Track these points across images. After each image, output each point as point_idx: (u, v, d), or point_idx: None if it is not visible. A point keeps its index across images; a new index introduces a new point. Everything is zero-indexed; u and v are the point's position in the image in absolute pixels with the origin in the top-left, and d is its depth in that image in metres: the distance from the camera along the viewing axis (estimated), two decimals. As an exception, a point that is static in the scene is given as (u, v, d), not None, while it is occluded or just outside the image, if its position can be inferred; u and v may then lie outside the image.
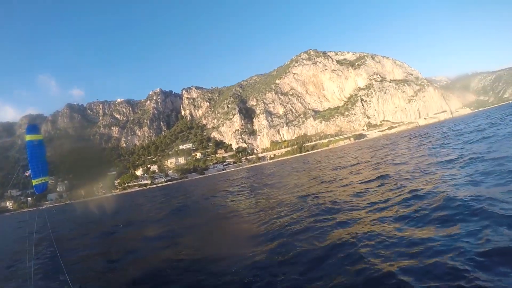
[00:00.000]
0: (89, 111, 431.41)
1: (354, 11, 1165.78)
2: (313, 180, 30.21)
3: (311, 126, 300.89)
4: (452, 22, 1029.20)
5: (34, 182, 11.72)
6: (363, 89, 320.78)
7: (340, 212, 14.79)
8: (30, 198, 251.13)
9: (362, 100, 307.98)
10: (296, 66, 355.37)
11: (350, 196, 17.93)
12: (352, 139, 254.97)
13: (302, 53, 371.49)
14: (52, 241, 16.73)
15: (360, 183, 20.96)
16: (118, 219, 37.15)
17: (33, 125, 11.72)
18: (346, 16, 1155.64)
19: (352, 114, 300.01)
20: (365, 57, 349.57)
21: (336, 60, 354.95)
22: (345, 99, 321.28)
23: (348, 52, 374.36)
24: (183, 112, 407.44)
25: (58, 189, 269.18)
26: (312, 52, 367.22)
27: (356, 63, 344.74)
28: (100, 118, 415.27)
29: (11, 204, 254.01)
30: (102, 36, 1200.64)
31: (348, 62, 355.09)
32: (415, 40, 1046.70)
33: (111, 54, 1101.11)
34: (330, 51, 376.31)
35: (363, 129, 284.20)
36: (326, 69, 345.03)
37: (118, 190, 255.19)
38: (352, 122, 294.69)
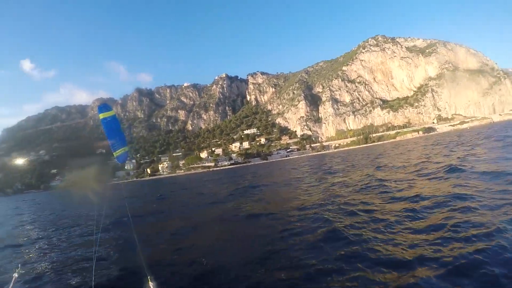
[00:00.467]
0: (157, 95, 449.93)
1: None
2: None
3: (378, 116, 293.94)
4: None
5: (115, 153, 12.20)
6: (434, 78, 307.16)
7: None
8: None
9: (432, 90, 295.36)
10: (363, 53, 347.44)
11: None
12: (421, 132, 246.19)
13: (370, 39, 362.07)
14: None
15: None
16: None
17: (104, 104, 11.70)
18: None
19: (421, 105, 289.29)
20: (436, 44, 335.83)
21: (405, 47, 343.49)
22: (415, 89, 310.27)
23: (418, 39, 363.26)
24: (248, 97, 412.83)
25: (126, 167, 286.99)
26: (380, 38, 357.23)
27: (427, 51, 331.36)
28: (168, 102, 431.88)
29: None
30: (170, 22, 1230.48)
31: (418, 49, 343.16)
32: (490, 27, 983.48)
33: (178, 40, 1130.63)
34: (399, 37, 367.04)
35: (433, 122, 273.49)
36: (394, 56, 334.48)
37: (183, 171, 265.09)
38: (422, 114, 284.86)
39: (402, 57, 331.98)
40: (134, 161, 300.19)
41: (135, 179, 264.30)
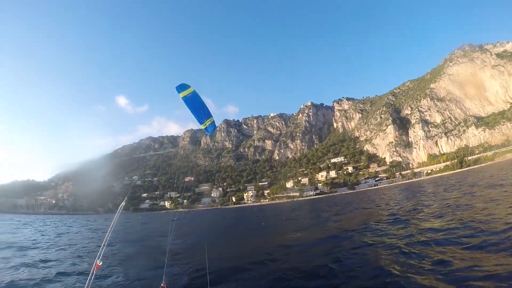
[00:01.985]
0: (244, 126, 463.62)
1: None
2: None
3: (473, 136, 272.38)
4: None
5: (203, 125, 13.31)
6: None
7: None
8: (185, 200, 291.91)
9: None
10: (451, 66, 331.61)
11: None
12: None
13: (456, 50, 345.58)
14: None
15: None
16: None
17: (181, 84, 12.67)
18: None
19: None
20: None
21: (495, 53, 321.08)
22: (511, 100, 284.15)
23: (508, 42, 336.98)
24: (335, 125, 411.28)
25: (212, 195, 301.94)
26: (467, 48, 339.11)
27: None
28: (255, 132, 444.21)
29: (169, 203, 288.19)
30: (254, 54, 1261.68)
31: (509, 54, 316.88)
32: None
33: (263, 71, 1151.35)
34: (487, 44, 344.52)
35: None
36: (485, 65, 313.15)
37: (267, 200, 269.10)
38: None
39: (493, 65, 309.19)
40: (220, 189, 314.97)
41: (219, 206, 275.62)
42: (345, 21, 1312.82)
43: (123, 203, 9.79)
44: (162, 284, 10.07)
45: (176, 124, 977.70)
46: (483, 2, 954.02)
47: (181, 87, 12.49)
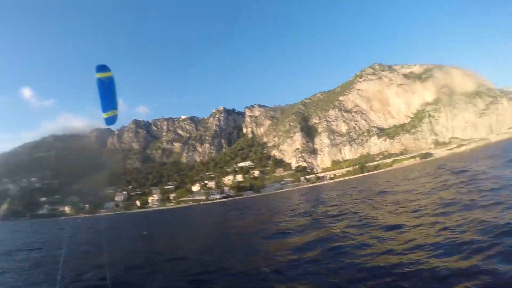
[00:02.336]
0: (154, 127, 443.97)
1: (418, 21, 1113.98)
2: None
3: (375, 145, 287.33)
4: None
5: (105, 115, 12.39)
6: (431, 104, 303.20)
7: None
8: (87, 205, 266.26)
9: (429, 116, 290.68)
10: (360, 82, 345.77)
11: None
12: (418, 158, 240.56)
13: (367, 68, 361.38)
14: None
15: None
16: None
17: (102, 65, 11.67)
18: (412, 26, 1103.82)
19: (418, 131, 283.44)
20: (433, 68, 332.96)
21: (402, 74, 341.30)
22: (412, 115, 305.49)
23: (415, 65, 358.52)
24: (244, 130, 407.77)
25: (116, 199, 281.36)
26: (377, 67, 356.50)
27: (423, 76, 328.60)
28: (164, 134, 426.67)
29: (69, 209, 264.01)
30: (168, 56, 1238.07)
31: (415, 75, 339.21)
32: (484, 47, 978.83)
33: (176, 73, 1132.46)
34: (396, 65, 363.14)
35: (430, 148, 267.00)
36: (391, 83, 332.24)
37: (173, 204, 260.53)
38: (418, 140, 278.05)
39: (399, 84, 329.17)
40: (125, 192, 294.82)
41: (123, 211, 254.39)
42: (265, 32, 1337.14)
43: (5, 208, 7.02)
44: None
45: (83, 121, 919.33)
46: (397, 27, 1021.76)
47: (101, 68, 11.87)
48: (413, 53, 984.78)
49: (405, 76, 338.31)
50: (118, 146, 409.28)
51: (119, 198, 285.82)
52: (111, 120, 12.89)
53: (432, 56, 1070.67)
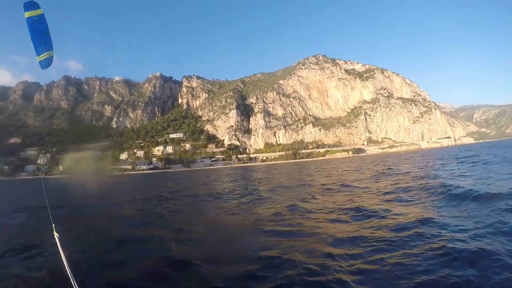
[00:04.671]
0: (85, 86, 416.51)
1: (369, 22, 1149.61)
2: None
3: (310, 133, 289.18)
4: (462, 52, 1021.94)
5: (39, 58, 11.14)
6: (369, 102, 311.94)
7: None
8: (7, 167, 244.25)
9: (366, 113, 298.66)
10: (302, 69, 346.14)
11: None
12: (350, 152, 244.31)
13: (311, 57, 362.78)
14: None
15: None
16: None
17: (30, 1, 10.48)
18: (360, 26, 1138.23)
19: (353, 126, 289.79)
20: (375, 70, 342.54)
21: (344, 69, 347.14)
22: (349, 110, 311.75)
23: (358, 63, 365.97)
24: (180, 100, 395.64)
25: (38, 161, 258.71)
26: (321, 57, 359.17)
27: (365, 75, 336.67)
28: (95, 95, 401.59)
29: None
30: (110, 7, 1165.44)
31: (356, 72, 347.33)
32: (424, 62, 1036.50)
33: (115, 27, 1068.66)
34: (339, 59, 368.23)
35: (363, 144, 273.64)
36: (333, 76, 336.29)
37: None
38: (353, 135, 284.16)
39: (340, 78, 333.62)
40: (48, 155, 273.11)
41: (43, 176, 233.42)
42: (214, 3, 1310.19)
43: None
44: None
45: (9, 72, 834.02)
46: (345, 23, 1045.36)
47: (30, 5, 10.75)
48: (357, 52, 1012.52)
49: (347, 71, 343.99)
50: (45, 103, 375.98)
51: (41, 160, 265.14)
52: (46, 63, 11.30)
53: (374, 58, 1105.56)
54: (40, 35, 11.04)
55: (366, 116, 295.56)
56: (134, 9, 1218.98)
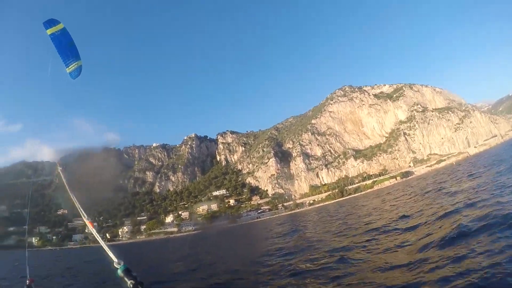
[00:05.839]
0: (125, 155, 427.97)
1: (387, 41, 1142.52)
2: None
3: (352, 167, 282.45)
4: (483, 46, 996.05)
5: (68, 69, 11.78)
6: (405, 122, 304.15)
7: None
8: (55, 237, 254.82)
9: (405, 134, 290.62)
10: (332, 104, 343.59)
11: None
12: (398, 177, 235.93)
13: (337, 90, 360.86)
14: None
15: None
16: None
17: (49, 19, 11.00)
18: (379, 48, 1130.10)
19: (395, 150, 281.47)
20: (403, 87, 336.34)
21: (373, 94, 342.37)
22: (387, 135, 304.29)
23: (385, 85, 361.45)
24: (218, 158, 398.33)
25: (86, 231, 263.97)
26: (347, 88, 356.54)
27: (394, 95, 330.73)
28: (136, 163, 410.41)
29: (36, 240, 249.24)
30: (139, 82, 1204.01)
31: (385, 95, 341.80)
32: (450, 66, 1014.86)
33: (147, 99, 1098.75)
34: (366, 86, 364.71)
35: (410, 166, 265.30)
36: (363, 104, 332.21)
37: (144, 236, 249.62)
38: (397, 159, 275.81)
39: (370, 104, 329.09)
40: (96, 224, 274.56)
41: (91, 244, 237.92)
42: (233, 54, 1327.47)
43: None
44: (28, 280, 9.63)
45: (52, 149, 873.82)
46: (364, 50, 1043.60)
47: (50, 23, 11.28)
48: (381, 74, 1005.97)
49: (376, 96, 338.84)
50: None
51: (89, 229, 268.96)
52: (76, 72, 12.09)
53: (401, 76, 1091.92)
54: (66, 48, 11.53)
55: (406, 136, 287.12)
56: (157, 83, 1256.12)
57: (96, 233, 6.48)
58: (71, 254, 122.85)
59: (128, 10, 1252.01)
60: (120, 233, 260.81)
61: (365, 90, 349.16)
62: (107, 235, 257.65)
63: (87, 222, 6.77)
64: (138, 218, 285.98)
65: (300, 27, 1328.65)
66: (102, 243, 6.22)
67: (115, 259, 5.58)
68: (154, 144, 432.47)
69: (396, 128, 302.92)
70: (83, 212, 7.08)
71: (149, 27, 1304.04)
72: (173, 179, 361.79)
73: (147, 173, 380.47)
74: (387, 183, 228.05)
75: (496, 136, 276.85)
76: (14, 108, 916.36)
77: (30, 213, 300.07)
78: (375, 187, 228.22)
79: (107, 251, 5.77)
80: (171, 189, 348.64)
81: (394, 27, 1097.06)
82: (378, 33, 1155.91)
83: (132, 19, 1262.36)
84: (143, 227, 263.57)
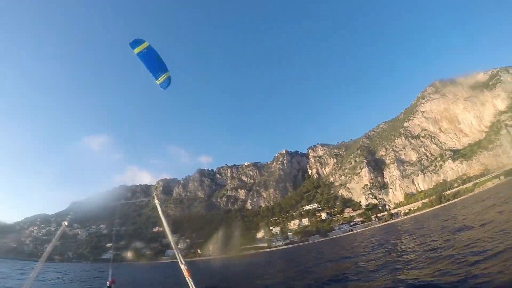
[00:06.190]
0: (218, 175, 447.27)
1: (470, 22, 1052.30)
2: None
3: (451, 170, 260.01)
4: None
5: (158, 81, 12.85)
6: (505, 111, 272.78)
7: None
8: (149, 252, 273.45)
9: (506, 126, 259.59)
10: (423, 104, 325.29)
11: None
12: (502, 177, 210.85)
13: (428, 87, 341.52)
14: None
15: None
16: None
17: (135, 39, 12.02)
18: (469, 32, 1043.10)
19: (497, 146, 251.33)
20: (499, 73, 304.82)
21: (467, 86, 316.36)
22: (486, 129, 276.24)
23: (479, 73, 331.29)
24: (309, 171, 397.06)
25: (179, 246, 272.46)
26: (438, 84, 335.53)
27: (490, 83, 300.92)
28: (228, 181, 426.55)
29: (131, 254, 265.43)
30: (228, 107, 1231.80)
31: (481, 84, 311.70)
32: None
33: (237, 121, 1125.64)
34: (458, 77, 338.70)
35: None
36: (457, 98, 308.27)
37: (233, 252, 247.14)
38: (499, 156, 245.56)
39: (465, 98, 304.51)
40: (188, 240, 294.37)
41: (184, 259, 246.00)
42: (308, 73, 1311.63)
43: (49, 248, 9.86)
44: (109, 281, 11.04)
45: (149, 173, 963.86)
46: (449, 37, 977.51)
47: (136, 42, 12.38)
48: (474, 61, 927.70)
49: (471, 87, 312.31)
50: (183, 195, 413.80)
51: (181, 245, 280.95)
52: (164, 84, 13.40)
53: (496, 59, 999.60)
54: (154, 62, 12.52)
55: (508, 128, 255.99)
56: (243, 96, 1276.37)
57: (190, 280, 7.01)
58: (161, 268, 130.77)
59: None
60: (211, 249, 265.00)
61: (457, 82, 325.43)
62: (198, 250, 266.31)
63: (184, 270, 7.42)
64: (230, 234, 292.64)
65: (379, 26, 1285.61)
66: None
67: None
68: (246, 163, 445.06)
69: (496, 120, 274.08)
70: (180, 258, 7.98)
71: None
72: (264, 196, 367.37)
73: (239, 191, 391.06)
74: (489, 184, 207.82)
75: None
76: (115, 137, 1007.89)
77: (122, 230, 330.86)
78: (476, 190, 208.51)
79: None
80: (263, 205, 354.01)
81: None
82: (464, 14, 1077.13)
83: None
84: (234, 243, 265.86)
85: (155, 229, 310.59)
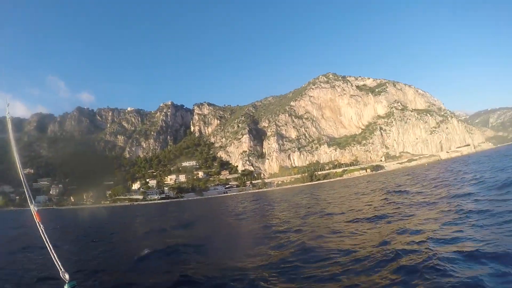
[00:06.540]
0: (98, 117, 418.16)
1: (376, 36, 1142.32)
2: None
3: (325, 154, 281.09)
4: (470, 56, 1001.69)
5: None
6: (383, 117, 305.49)
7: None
8: (18, 197, 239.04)
9: (381, 129, 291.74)
10: (313, 89, 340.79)
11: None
12: (368, 170, 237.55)
13: (321, 76, 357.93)
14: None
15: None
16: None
17: None
18: (368, 41, 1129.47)
19: (369, 143, 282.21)
20: (386, 84, 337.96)
21: (355, 85, 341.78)
22: (363, 127, 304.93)
23: (369, 78, 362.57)
24: (192, 128, 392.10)
25: (51, 192, 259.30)
26: (331, 76, 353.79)
27: (377, 90, 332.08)
28: (108, 125, 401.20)
29: None
30: (116, 41, 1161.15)
31: (368, 88, 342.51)
32: (435, 72, 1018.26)
33: (125, 60, 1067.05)
34: (350, 76, 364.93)
35: (381, 160, 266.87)
36: (344, 93, 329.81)
37: (108, 202, 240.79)
38: (370, 152, 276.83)
39: (351, 95, 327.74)
40: (61, 185, 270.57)
41: (54, 207, 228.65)
42: (220, 30, 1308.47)
43: None
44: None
45: (23, 104, 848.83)
46: (353, 39, 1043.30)
47: None
48: (367, 67, 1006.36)
49: (358, 88, 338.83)
50: (59, 134, 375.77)
51: (53, 191, 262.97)
52: None
53: (387, 72, 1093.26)
54: None
55: (382, 131, 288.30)
56: (141, 41, 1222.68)
57: (44, 232, 5.36)
58: (27, 215, 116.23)
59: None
60: (84, 197, 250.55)
61: (348, 80, 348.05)
62: (71, 198, 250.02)
63: (34, 213, 5.57)
64: (105, 182, 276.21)
65: (293, 9, 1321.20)
66: (49, 247, 5.40)
67: (61, 269, 4.97)
68: (129, 108, 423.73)
69: (373, 122, 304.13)
70: (30, 195, 5.90)
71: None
72: (144, 146, 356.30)
73: (118, 137, 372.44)
74: (356, 174, 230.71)
75: (469, 145, 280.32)
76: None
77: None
78: (344, 176, 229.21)
79: (54, 258, 5.12)
80: (141, 156, 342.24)
81: (388, 22, 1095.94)
82: (372, 26, 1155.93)
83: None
84: (108, 192, 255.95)
85: (26, 171, 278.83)
